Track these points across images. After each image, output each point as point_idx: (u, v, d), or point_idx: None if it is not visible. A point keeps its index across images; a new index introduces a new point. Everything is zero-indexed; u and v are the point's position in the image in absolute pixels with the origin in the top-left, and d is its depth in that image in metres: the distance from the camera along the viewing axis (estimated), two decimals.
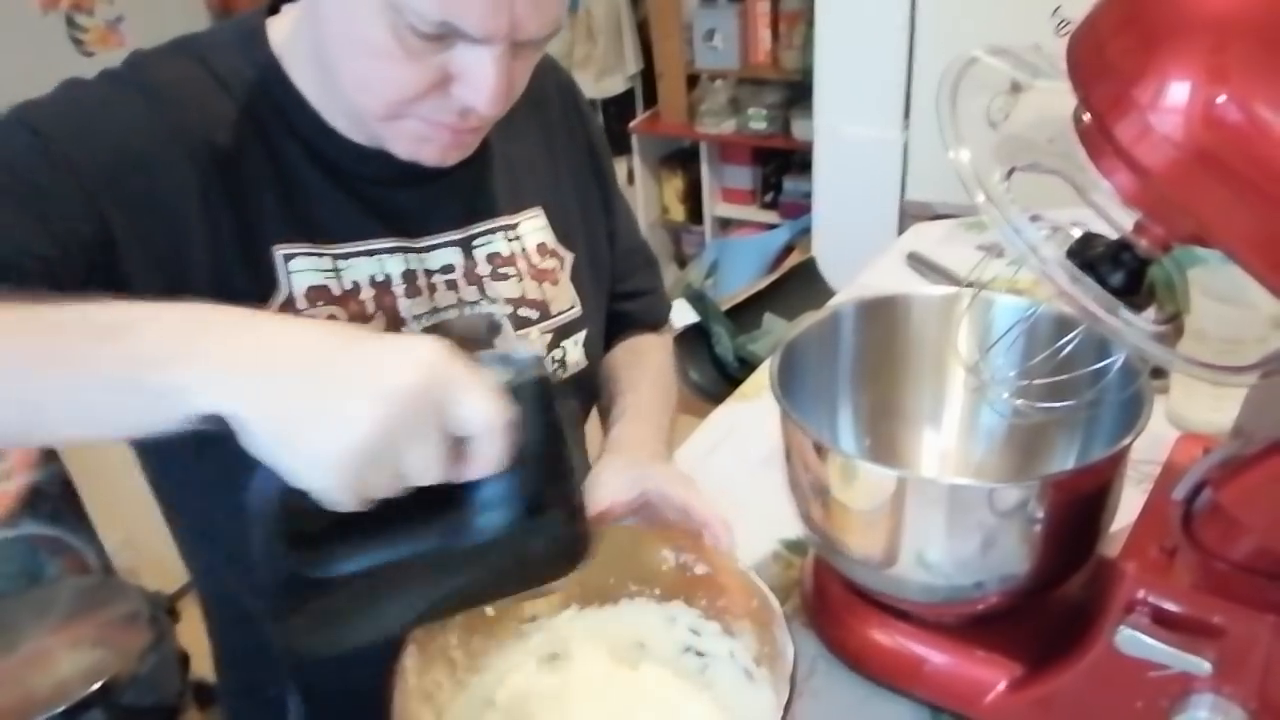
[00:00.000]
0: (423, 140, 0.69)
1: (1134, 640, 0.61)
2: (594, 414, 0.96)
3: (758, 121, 3.05)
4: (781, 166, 3.23)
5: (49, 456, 1.79)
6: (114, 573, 1.89)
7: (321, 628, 0.55)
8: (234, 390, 0.46)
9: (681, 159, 3.42)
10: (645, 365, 0.96)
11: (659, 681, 0.67)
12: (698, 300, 2.49)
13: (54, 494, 1.81)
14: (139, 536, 1.99)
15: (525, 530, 0.54)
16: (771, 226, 3.22)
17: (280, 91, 0.72)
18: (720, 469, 1.04)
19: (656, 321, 1.02)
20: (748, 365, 2.29)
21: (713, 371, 2.40)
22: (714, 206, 3.38)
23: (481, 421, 0.48)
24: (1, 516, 1.73)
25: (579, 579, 0.66)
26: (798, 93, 2.93)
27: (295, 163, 0.72)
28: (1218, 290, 0.93)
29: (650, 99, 3.29)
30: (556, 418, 0.54)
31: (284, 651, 0.55)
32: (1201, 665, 0.60)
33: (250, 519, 0.50)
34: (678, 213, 3.47)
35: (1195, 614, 0.61)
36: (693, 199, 3.43)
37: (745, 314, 2.62)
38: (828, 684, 0.79)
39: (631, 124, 3.29)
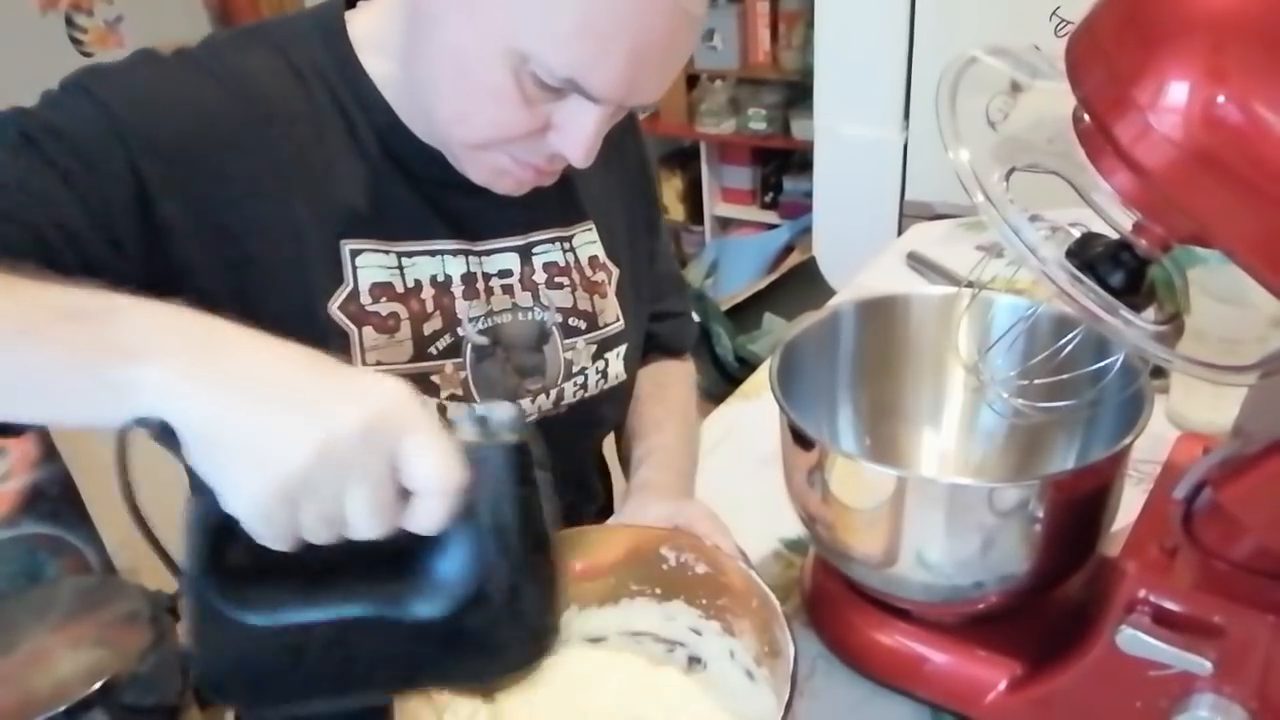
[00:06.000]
0: (503, 173, 0.70)
1: (1135, 640, 0.61)
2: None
3: (757, 121, 3.06)
4: (781, 166, 3.24)
5: (49, 456, 1.78)
6: (114, 572, 1.88)
7: (236, 671, 0.50)
8: (183, 398, 0.44)
9: (681, 159, 3.43)
10: (670, 402, 0.96)
11: (659, 681, 0.67)
12: (698, 300, 2.49)
13: (54, 493, 1.81)
14: (139, 536, 1.99)
15: (478, 610, 0.49)
16: (771, 226, 3.23)
17: (357, 87, 0.72)
18: (720, 468, 1.04)
19: (681, 347, 1.03)
20: (748, 365, 2.29)
21: (713, 371, 2.39)
22: (714, 206, 3.39)
23: (426, 475, 0.45)
24: (1, 516, 1.73)
25: (579, 574, 0.67)
26: (797, 93, 2.93)
27: (369, 159, 0.72)
28: (1217, 290, 0.93)
29: None
30: (531, 489, 0.48)
31: (198, 678, 0.50)
32: (1202, 664, 0.60)
33: (185, 533, 0.47)
34: (677, 213, 3.48)
35: (1196, 613, 0.61)
36: (692, 199, 3.44)
37: (745, 314, 2.62)
38: (828, 683, 0.79)
39: None
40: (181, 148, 0.64)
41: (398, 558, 0.47)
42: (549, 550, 0.51)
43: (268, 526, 0.45)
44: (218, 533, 0.46)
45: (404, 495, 0.46)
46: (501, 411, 0.48)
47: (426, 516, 0.46)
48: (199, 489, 0.45)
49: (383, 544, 0.46)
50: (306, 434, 0.43)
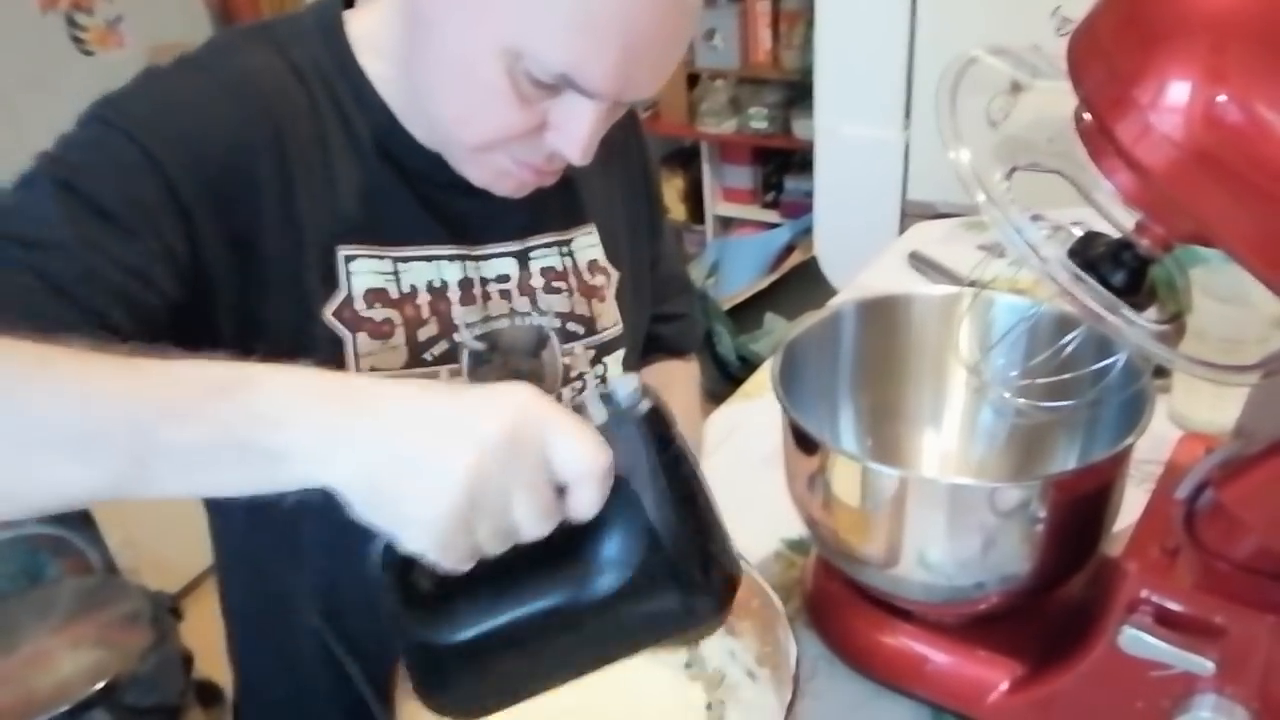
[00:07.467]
0: (504, 174, 0.70)
1: (1137, 640, 0.61)
2: None
3: (758, 121, 3.05)
4: (782, 166, 3.23)
5: None
6: (116, 572, 1.89)
7: (463, 690, 0.53)
8: (334, 462, 0.45)
9: (682, 159, 3.42)
10: (676, 402, 0.95)
11: (659, 681, 0.67)
12: (699, 300, 2.49)
13: None
14: (141, 536, 1.99)
15: (656, 570, 0.50)
16: (772, 226, 3.22)
17: (355, 87, 0.71)
18: (722, 468, 1.04)
19: (686, 348, 1.02)
20: (749, 365, 2.29)
21: (714, 371, 2.39)
22: (715, 206, 3.39)
23: (576, 465, 0.47)
24: None
25: None
26: (798, 92, 2.93)
27: (365, 160, 0.71)
28: (1219, 290, 0.93)
29: None
30: (673, 448, 0.51)
31: (439, 713, 0.54)
32: (1204, 665, 0.59)
33: (371, 588, 0.49)
34: (678, 212, 3.47)
35: (1198, 614, 0.61)
36: (693, 198, 3.44)
37: (746, 313, 2.62)
38: (829, 684, 0.79)
39: None
40: (207, 162, 0.63)
41: (567, 544, 0.50)
42: (706, 498, 0.53)
43: (449, 554, 0.46)
44: (402, 571, 0.48)
45: (560, 490, 0.47)
46: (623, 385, 0.50)
47: (585, 504, 0.48)
48: (370, 535, 0.47)
49: (549, 536, 0.49)
50: (460, 459, 0.44)
